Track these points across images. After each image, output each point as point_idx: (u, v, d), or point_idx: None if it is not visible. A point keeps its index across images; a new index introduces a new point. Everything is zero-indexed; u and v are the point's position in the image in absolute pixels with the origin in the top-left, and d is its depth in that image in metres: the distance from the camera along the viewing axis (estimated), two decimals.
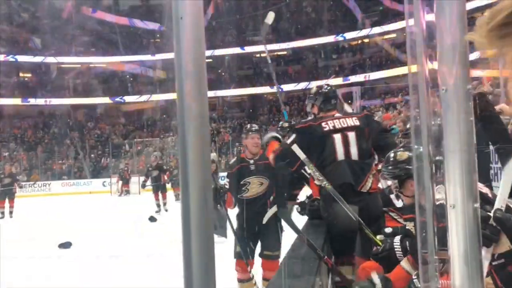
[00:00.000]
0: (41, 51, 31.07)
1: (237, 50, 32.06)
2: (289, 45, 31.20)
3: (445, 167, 0.99)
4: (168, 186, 14.16)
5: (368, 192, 3.03)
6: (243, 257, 4.04)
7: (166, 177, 13.51)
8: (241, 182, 4.23)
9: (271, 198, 4.26)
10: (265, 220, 4.24)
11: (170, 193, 14.31)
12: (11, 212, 13.53)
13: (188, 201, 0.72)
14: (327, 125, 3.07)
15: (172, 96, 28.66)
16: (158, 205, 12.97)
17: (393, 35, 27.05)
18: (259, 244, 4.37)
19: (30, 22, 31.25)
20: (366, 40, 30.01)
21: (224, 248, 4.75)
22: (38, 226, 11.31)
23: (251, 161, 4.27)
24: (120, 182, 21.97)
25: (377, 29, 27.44)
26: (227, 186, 4.25)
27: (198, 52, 0.72)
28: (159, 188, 13.00)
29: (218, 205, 4.33)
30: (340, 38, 29.42)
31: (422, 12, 1.04)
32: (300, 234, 2.50)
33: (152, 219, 11.33)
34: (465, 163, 0.98)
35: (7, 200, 13.59)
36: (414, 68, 1.08)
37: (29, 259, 7.46)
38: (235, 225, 4.30)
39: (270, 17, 3.94)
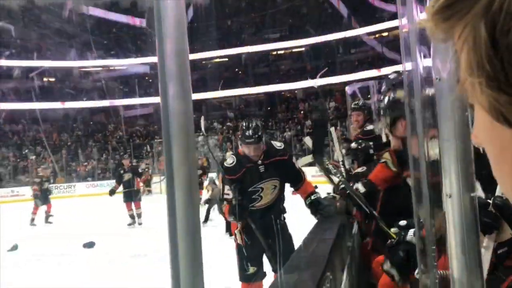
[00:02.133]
0: (63, 55, 31.76)
1: (253, 49, 32.08)
2: (307, 42, 31.09)
3: (440, 156, 0.98)
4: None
5: None
6: (253, 280, 3.34)
7: (141, 183, 11.40)
8: (250, 189, 3.36)
9: (282, 204, 3.58)
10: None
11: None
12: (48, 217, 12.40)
13: (174, 200, 0.73)
14: None
15: (195, 96, 28.88)
16: (132, 217, 10.75)
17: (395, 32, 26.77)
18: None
19: (53, 28, 31.89)
20: (385, 34, 29.66)
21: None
22: (64, 226, 11.56)
23: (259, 161, 3.40)
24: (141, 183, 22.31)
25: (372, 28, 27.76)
26: (229, 196, 3.30)
27: (181, 53, 0.73)
28: (131, 196, 10.77)
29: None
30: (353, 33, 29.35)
31: (415, 10, 1.05)
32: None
33: None
34: (460, 152, 0.97)
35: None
36: (408, 66, 1.08)
37: (55, 257, 7.65)
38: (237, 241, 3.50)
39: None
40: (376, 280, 2.49)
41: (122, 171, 10.98)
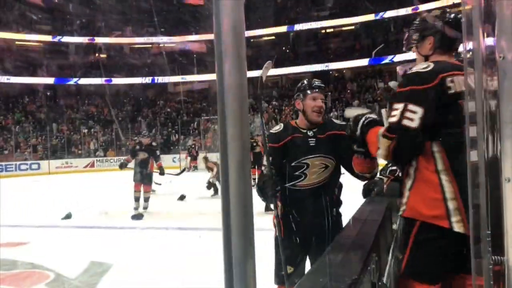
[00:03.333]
0: (115, 32, 32.67)
1: (301, 27, 31.61)
2: (357, 20, 30.31)
3: (500, 138, 0.94)
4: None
5: None
6: (289, 283, 2.55)
7: (156, 165, 9.84)
8: (293, 164, 2.70)
9: (336, 191, 2.80)
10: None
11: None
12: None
13: (227, 173, 0.74)
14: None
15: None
16: (138, 199, 9.31)
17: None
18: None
19: (106, 4, 32.72)
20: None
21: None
22: (114, 199, 12.06)
23: (310, 133, 2.75)
24: (189, 158, 22.83)
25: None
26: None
27: (238, 28, 0.73)
28: (142, 177, 9.50)
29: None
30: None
31: None
32: None
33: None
34: None
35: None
36: (470, 45, 1.04)
37: (105, 229, 8.02)
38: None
39: None
40: None
41: (137, 148, 9.82)
